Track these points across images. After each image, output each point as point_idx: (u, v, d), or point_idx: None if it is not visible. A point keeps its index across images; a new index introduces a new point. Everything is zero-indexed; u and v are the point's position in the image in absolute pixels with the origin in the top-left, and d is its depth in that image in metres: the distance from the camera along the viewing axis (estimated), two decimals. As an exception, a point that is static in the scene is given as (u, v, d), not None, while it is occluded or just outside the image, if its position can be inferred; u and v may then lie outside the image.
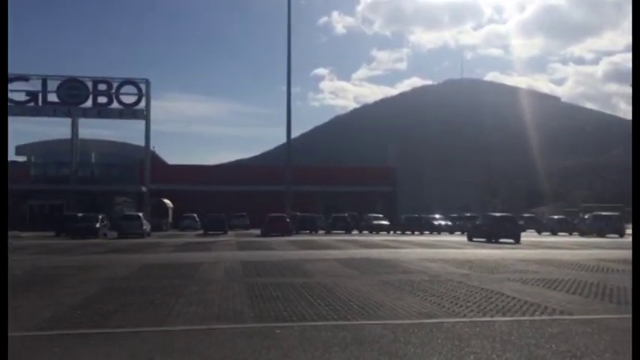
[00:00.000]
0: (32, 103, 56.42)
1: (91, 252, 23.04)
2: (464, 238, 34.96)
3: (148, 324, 7.52)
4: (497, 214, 36.29)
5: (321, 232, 46.34)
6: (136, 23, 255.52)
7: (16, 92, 56.73)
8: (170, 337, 6.72)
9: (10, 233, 31.60)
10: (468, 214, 50.57)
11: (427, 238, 37.66)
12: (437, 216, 51.30)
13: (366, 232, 46.62)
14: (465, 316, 8.10)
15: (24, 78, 57.31)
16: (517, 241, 30.38)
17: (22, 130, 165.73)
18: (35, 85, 56.63)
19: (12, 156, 62.36)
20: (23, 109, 56.75)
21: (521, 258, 19.00)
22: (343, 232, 45.88)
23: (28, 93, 56.59)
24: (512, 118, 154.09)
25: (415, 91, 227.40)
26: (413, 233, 44.72)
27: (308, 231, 45.41)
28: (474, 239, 32.74)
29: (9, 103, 55.58)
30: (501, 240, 30.86)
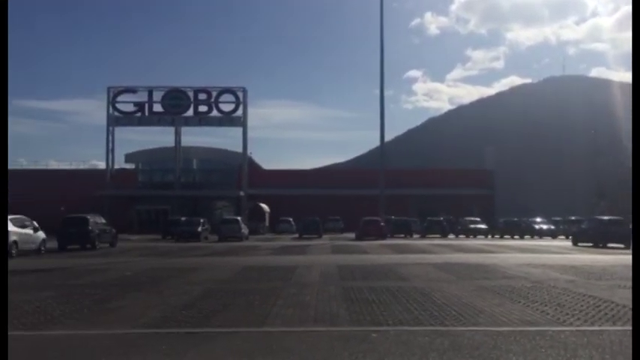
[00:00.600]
0: (139, 114, 59.93)
1: (194, 254, 24.03)
2: (568, 243, 33.28)
3: (248, 324, 7.74)
4: (605, 218, 34.21)
5: (415, 235, 45.69)
6: (229, 32, 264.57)
7: (125, 103, 60.50)
8: (269, 338, 6.88)
9: (119, 236, 33.69)
10: (573, 218, 48.01)
11: (528, 242, 36.18)
12: (538, 219, 49.08)
13: (462, 236, 45.49)
14: (571, 324, 7.70)
15: (132, 90, 61.03)
16: (627, 245, 28.51)
17: (131, 139, 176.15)
18: (142, 97, 60.20)
19: (121, 163, 66.37)
20: (131, 119, 60.48)
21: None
22: (439, 236, 45.00)
23: (135, 104, 60.22)
24: (620, 116, 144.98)
25: (513, 90, 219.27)
26: (512, 237, 43.11)
27: (402, 235, 44.94)
28: (580, 244, 31.08)
29: (117, 114, 59.44)
30: (610, 245, 29.09)
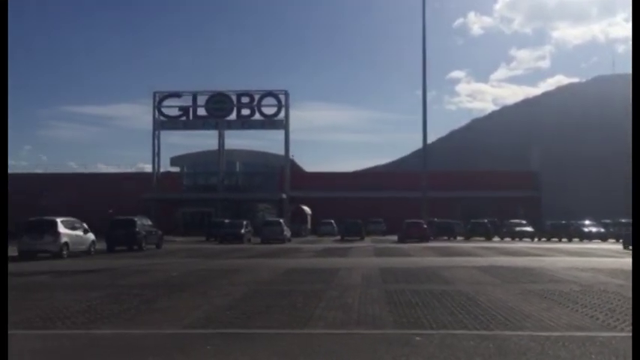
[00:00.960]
0: (184, 118, 60.98)
1: (237, 256, 24.29)
2: (619, 246, 32.26)
3: (291, 326, 7.77)
4: (658, 220, 32.97)
5: (459, 238, 45.11)
6: (271, 34, 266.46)
7: (170, 108, 61.64)
8: (312, 340, 6.88)
9: (165, 238, 34.35)
10: (623, 220, 46.46)
11: (576, 245, 35.25)
12: (587, 222, 47.72)
13: (507, 239, 44.64)
14: (622, 330, 7.45)
15: (177, 95, 62.20)
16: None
17: (175, 143, 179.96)
18: (186, 101, 61.20)
19: (167, 167, 67.62)
20: (176, 123, 61.53)
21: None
22: (483, 238, 44.30)
23: (180, 108, 61.26)
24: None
25: (560, 90, 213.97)
26: (560, 240, 42.07)
27: (446, 237, 44.45)
28: (631, 247, 30.09)
29: (163, 118, 60.63)
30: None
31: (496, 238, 45.19)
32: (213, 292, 11.53)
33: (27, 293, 11.65)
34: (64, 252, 22.95)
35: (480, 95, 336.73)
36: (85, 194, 62.09)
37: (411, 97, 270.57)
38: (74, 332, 7.48)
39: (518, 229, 46.12)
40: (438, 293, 11.13)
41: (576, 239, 42.45)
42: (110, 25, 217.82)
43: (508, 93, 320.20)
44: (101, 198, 60.85)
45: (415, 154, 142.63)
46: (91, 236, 25.77)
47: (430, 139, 68.29)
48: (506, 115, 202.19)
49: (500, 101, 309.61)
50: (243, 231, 39.49)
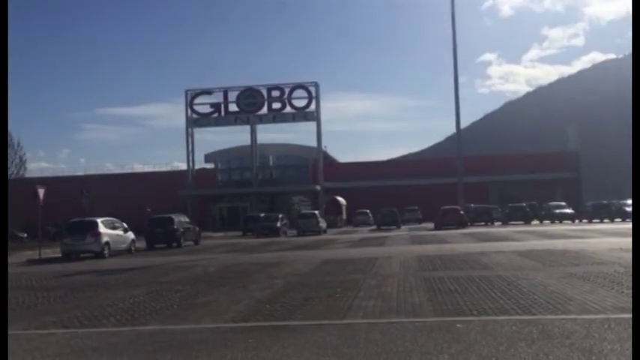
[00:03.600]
0: (216, 114, 61.54)
1: (274, 249, 24.49)
2: (663, 225, 31.38)
3: (330, 317, 7.81)
4: None
5: (497, 223, 44.59)
6: (297, 26, 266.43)
7: (202, 105, 62.28)
8: (353, 330, 6.91)
9: (202, 234, 34.82)
10: (668, 197, 45.07)
11: (619, 226, 34.35)
12: (629, 201, 46.55)
13: (547, 222, 43.91)
14: (670, 311, 7.27)
15: (208, 92, 62.78)
16: None
17: (208, 139, 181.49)
18: (218, 97, 61.80)
19: (201, 163, 68.30)
20: (209, 120, 62.22)
21: None
22: (521, 222, 43.68)
23: (212, 105, 61.89)
24: None
25: (596, 68, 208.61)
26: (601, 221, 41.17)
27: (483, 223, 44.01)
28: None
29: (195, 116, 61.33)
30: None
31: (535, 222, 44.50)
32: (252, 286, 11.66)
33: (72, 292, 11.98)
34: (106, 251, 23.47)
35: (512, 77, 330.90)
36: (123, 194, 63.28)
37: (442, 83, 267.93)
38: (120, 330, 7.67)
39: (557, 211, 45.29)
40: (477, 279, 11.04)
41: (618, 219, 41.47)
42: (140, 24, 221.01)
43: (542, 73, 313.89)
44: (139, 197, 61.90)
45: (449, 140, 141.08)
46: (131, 235, 26.28)
47: (463, 124, 67.36)
48: (541, 95, 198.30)
49: (534, 82, 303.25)
50: (278, 224, 39.74)
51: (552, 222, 43.21)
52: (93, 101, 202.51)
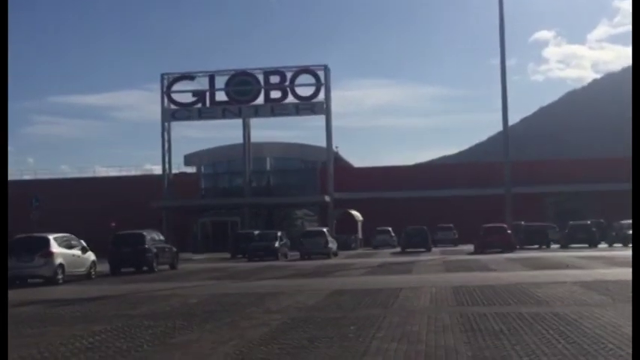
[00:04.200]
0: (199, 105, 61.67)
1: (271, 276, 24.51)
2: None
3: (341, 363, 7.80)
4: None
5: (554, 246, 44.49)
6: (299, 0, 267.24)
7: (181, 93, 62.43)
8: (369, 380, 6.89)
9: (181, 255, 34.88)
10: None
11: None
12: None
13: (618, 244, 43.73)
14: None
15: (189, 77, 62.97)
16: None
17: (190, 137, 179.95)
18: (202, 84, 61.88)
19: (180, 167, 68.56)
20: (190, 112, 62.33)
21: None
22: (586, 245, 43.54)
23: (194, 93, 62.00)
24: None
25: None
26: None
27: (536, 245, 44.01)
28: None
29: (174, 107, 61.60)
30: None
31: (603, 245, 44.33)
32: (243, 323, 11.66)
33: (16, 328, 12.00)
34: (59, 276, 23.52)
35: (575, 60, 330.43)
36: (82, 204, 63.61)
37: (484, 68, 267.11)
38: (75, 375, 7.69)
39: (631, 231, 45.07)
40: (528, 317, 11.00)
41: None
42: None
43: (612, 56, 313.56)
44: (102, 208, 62.21)
45: (493, 140, 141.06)
46: (90, 256, 26.37)
47: (512, 120, 67.22)
48: (610, 84, 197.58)
49: (602, 67, 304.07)
50: (277, 244, 39.78)
51: (625, 245, 42.97)
52: (45, 87, 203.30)
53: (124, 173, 72.65)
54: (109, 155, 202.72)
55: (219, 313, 13.34)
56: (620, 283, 16.75)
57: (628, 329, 9.54)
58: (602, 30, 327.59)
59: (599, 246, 43.65)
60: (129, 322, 12.21)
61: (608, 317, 10.81)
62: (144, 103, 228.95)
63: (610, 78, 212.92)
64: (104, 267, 28.55)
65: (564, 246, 43.86)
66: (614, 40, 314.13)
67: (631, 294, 13.94)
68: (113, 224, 50.39)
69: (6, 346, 6.22)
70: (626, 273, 20.24)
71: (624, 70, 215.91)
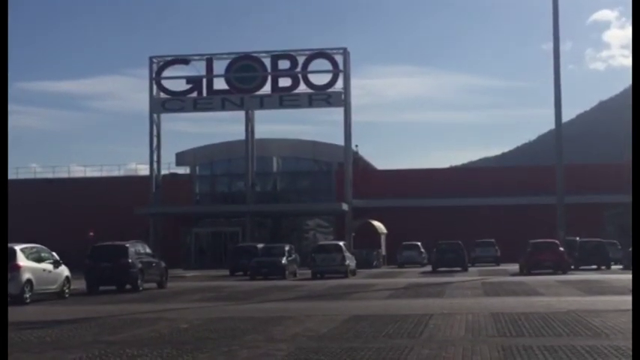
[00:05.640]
0: (194, 94, 61.53)
1: (277, 298, 24.57)
2: None
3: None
4: None
5: (615, 266, 44.24)
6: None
7: (174, 80, 62.41)
8: None
9: (171, 272, 34.95)
10: None
11: None
12: None
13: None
14: None
15: (183, 60, 62.87)
16: None
17: (183, 132, 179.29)
18: (198, 69, 61.73)
19: (171, 167, 68.62)
20: (184, 103, 62.15)
21: None
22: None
23: (188, 80, 61.75)
24: None
25: None
26: None
27: (594, 265, 43.87)
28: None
29: (164, 96, 61.65)
30: None
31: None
32: (242, 353, 11.68)
33: (-24, 355, 12.08)
34: (27, 294, 23.60)
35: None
36: (55, 210, 63.85)
37: (533, 54, 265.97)
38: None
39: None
40: (583, 352, 10.99)
41: None
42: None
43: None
44: (78, 215, 62.40)
45: (543, 140, 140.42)
46: (64, 271, 26.43)
47: (567, 116, 66.85)
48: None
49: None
50: (284, 260, 39.79)
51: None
52: (11, 71, 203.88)
53: (104, 174, 72.73)
54: (87, 152, 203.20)
55: (214, 340, 13.35)
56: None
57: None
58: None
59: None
60: (107, 350, 12.24)
61: (680, 353, 10.74)
62: (128, 92, 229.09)
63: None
64: (80, 284, 28.63)
65: (627, 267, 43.59)
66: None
67: None
68: (91, 234, 50.59)
69: (6, 347, 6.30)
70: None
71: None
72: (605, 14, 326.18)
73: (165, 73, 62.39)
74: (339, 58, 60.24)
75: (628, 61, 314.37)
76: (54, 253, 26.66)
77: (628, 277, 34.22)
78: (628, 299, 20.96)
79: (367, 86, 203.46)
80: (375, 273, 43.95)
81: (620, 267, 44.21)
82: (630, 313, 16.84)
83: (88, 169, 74.69)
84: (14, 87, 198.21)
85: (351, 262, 41.18)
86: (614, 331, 13.66)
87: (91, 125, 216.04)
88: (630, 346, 11.46)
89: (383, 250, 58.63)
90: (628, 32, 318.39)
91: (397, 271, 45.89)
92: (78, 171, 76.01)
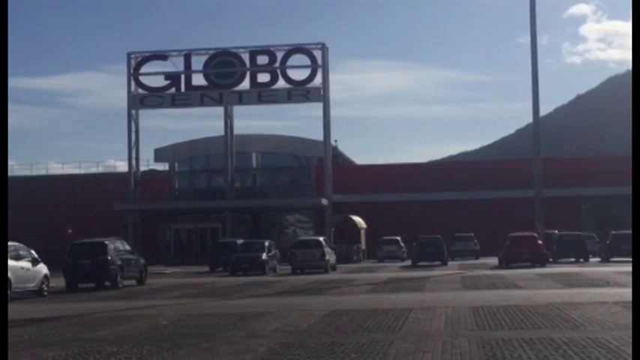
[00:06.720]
0: (173, 89, 61.43)
1: (257, 294, 24.58)
2: None
3: (339, 397, 7.81)
4: None
5: (593, 259, 44.53)
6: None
7: (152, 76, 62.23)
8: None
9: (150, 269, 34.86)
10: None
11: None
12: None
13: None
14: None
15: (161, 56, 62.73)
16: None
17: (162, 128, 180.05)
18: (177, 65, 61.61)
19: (150, 163, 68.35)
20: (162, 99, 62.11)
21: None
22: (630, 259, 43.59)
23: (167, 76, 61.68)
24: None
25: None
26: None
27: (572, 258, 44.10)
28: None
29: (142, 92, 61.45)
30: None
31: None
32: (223, 349, 11.68)
33: (-46, 354, 12.00)
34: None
35: (618, 40, 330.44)
36: (32, 207, 63.45)
37: (510, 48, 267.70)
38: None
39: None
40: (561, 343, 11.06)
41: None
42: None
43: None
44: (56, 212, 62.07)
45: (521, 134, 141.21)
46: (42, 269, 26.30)
47: (544, 110, 67.18)
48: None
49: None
50: (264, 256, 39.76)
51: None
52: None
53: (82, 171, 72.41)
54: (65, 149, 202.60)
55: (194, 337, 13.34)
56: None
57: (679, 358, 9.56)
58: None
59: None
60: (87, 348, 12.20)
61: (656, 344, 10.83)
62: (106, 88, 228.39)
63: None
64: (59, 282, 28.48)
65: (605, 259, 43.87)
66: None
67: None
68: (70, 231, 50.29)
69: (6, 347, 6.28)
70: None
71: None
72: (581, 8, 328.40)
73: (144, 69, 62.22)
74: (317, 54, 60.34)
75: (604, 55, 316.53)
76: (32, 251, 26.55)
77: (606, 269, 34.55)
78: (605, 291, 21.18)
79: (346, 81, 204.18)
80: (355, 268, 44.00)
81: (598, 259, 44.52)
82: (608, 305, 17.02)
83: (66, 166, 74.22)
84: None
85: (331, 257, 41.22)
86: (592, 323, 13.74)
87: (69, 122, 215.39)
88: (609, 338, 11.58)
89: (363, 245, 58.68)
90: (604, 26, 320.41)
91: (377, 266, 45.96)
92: (56, 168, 75.59)
